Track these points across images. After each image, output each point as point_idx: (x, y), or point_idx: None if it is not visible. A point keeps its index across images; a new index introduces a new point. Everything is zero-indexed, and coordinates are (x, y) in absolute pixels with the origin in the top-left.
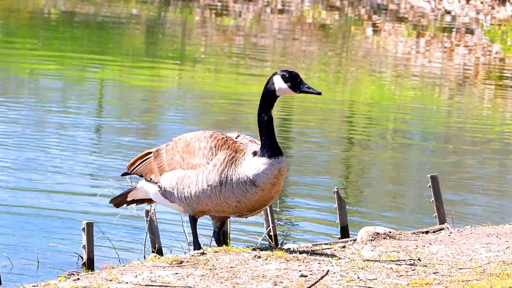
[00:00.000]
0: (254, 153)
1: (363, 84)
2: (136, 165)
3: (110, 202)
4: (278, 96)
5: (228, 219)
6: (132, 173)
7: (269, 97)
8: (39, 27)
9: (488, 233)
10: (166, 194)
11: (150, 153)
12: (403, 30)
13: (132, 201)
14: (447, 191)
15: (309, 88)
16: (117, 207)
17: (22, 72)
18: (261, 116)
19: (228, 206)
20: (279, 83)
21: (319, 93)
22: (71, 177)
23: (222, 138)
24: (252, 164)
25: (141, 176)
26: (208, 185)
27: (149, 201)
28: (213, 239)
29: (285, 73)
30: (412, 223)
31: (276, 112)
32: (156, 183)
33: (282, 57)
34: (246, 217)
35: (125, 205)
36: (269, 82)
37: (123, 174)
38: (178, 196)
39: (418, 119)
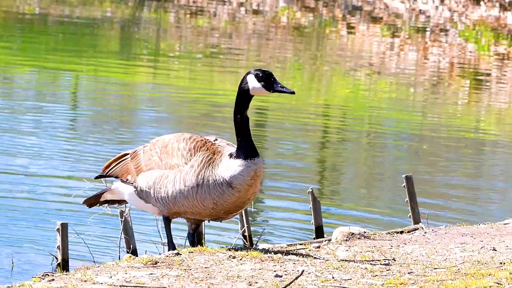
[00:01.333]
0: (231, 155)
1: (337, 84)
2: (111, 166)
3: (83, 203)
4: (253, 96)
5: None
6: (107, 174)
7: (243, 97)
8: (14, 27)
9: (463, 233)
10: (142, 194)
11: (126, 154)
12: (378, 31)
13: (105, 202)
14: (422, 191)
15: (283, 87)
16: (89, 207)
17: None
18: (236, 117)
19: (204, 208)
20: (252, 83)
21: (293, 93)
22: (45, 177)
23: (201, 140)
24: (229, 166)
25: (116, 177)
26: (185, 186)
27: (121, 202)
28: (187, 239)
29: (258, 72)
30: (387, 223)
31: (251, 112)
32: (133, 183)
33: (257, 57)
34: (221, 221)
35: (97, 205)
36: (243, 81)
37: (97, 177)
38: (154, 196)
39: (393, 119)
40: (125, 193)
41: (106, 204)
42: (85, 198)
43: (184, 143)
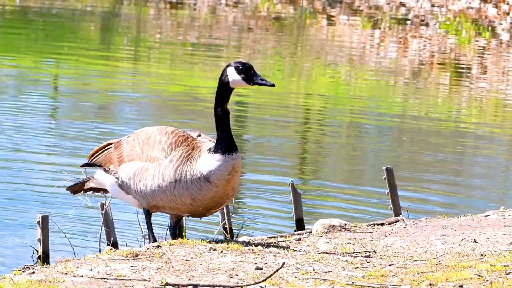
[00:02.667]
0: (209, 150)
1: (318, 76)
2: (96, 155)
3: (67, 189)
4: (233, 89)
5: None
6: (92, 162)
7: (223, 89)
8: None
9: (444, 225)
10: (122, 185)
11: (111, 143)
12: (358, 23)
13: (88, 189)
14: (402, 183)
15: (263, 80)
16: (73, 194)
17: None
18: (217, 110)
19: (182, 204)
20: (232, 75)
21: (273, 85)
22: (25, 169)
23: (183, 135)
24: (207, 161)
25: (100, 166)
26: (163, 180)
27: (104, 191)
28: (169, 232)
29: (238, 65)
30: (367, 216)
31: (231, 105)
32: (114, 173)
33: (237, 50)
34: (201, 218)
35: (82, 192)
36: (223, 74)
37: (83, 165)
38: (134, 188)
39: (373, 110)
40: (107, 183)
41: (91, 192)
42: (69, 185)
43: (166, 137)
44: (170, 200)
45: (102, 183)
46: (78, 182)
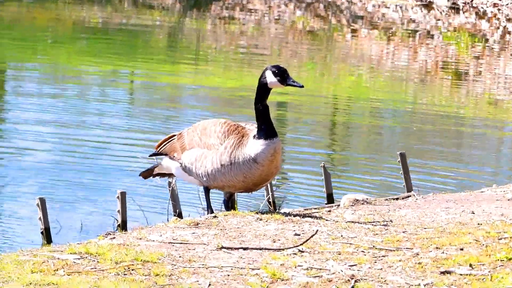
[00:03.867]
0: (254, 136)
1: (343, 79)
2: (162, 145)
3: (139, 175)
4: (271, 88)
5: None
6: (159, 152)
7: (262, 89)
8: (81, 34)
9: (447, 199)
10: (185, 169)
11: (174, 135)
12: (376, 35)
13: (157, 175)
14: (413, 165)
15: (294, 81)
16: (144, 179)
17: (68, 71)
18: (257, 106)
19: (237, 181)
20: (270, 77)
21: (302, 86)
22: (108, 156)
23: (234, 125)
24: (253, 146)
25: (165, 154)
26: (221, 165)
27: (170, 175)
28: (223, 205)
29: (275, 69)
30: (385, 191)
31: (272, 101)
32: (178, 160)
33: (278, 56)
34: (251, 193)
35: (151, 178)
36: (262, 76)
37: (152, 155)
38: (195, 172)
39: (388, 106)
40: (172, 168)
41: (158, 177)
42: (140, 172)
43: (220, 127)
44: (228, 180)
45: (168, 168)
46: (148, 168)
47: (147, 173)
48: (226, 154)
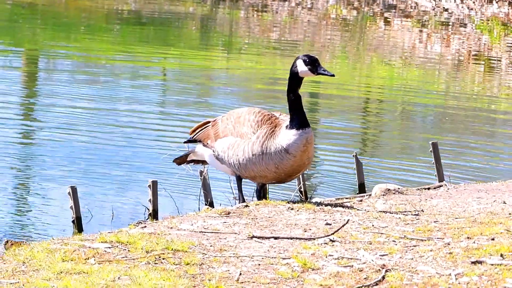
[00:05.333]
0: (287, 127)
1: (376, 68)
2: (196, 132)
3: (173, 161)
4: (302, 78)
5: None
6: (193, 139)
7: (294, 78)
8: (113, 22)
9: (479, 189)
10: (218, 157)
11: (208, 122)
12: (409, 24)
13: (190, 161)
14: (445, 154)
15: (325, 70)
16: (178, 165)
17: (100, 59)
18: (289, 95)
19: (269, 172)
20: (301, 66)
21: (333, 75)
22: (140, 144)
23: (267, 114)
24: (285, 136)
25: (199, 141)
26: (253, 154)
27: (203, 162)
28: (255, 194)
29: (305, 58)
30: (416, 181)
31: (304, 91)
32: (211, 147)
33: (311, 45)
34: (284, 183)
35: (184, 164)
36: (294, 65)
37: (186, 141)
38: (227, 160)
39: (421, 95)
40: (205, 155)
41: (192, 163)
42: (174, 158)
43: (254, 116)
44: (260, 170)
45: (201, 155)
46: (182, 155)
47: (181, 159)
48: (258, 144)
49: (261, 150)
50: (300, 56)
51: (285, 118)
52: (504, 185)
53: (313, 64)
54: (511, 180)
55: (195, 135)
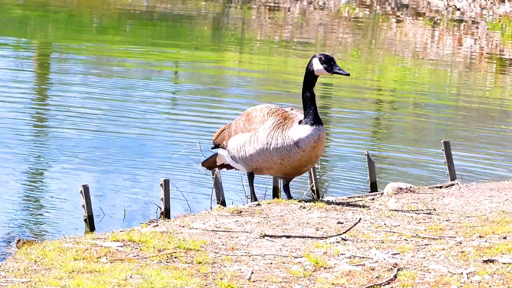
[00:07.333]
0: (300, 122)
1: (388, 66)
2: (217, 137)
3: (202, 165)
4: (318, 76)
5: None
6: (215, 143)
7: (309, 76)
8: (126, 20)
9: (491, 188)
10: (231, 155)
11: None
12: (421, 23)
13: (221, 166)
14: (457, 153)
15: (340, 69)
16: (209, 170)
17: (114, 54)
18: (304, 93)
19: (274, 163)
20: (316, 65)
21: (348, 74)
22: (152, 143)
23: (276, 108)
24: (298, 130)
25: (220, 146)
26: (257, 143)
27: (230, 167)
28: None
29: (321, 57)
30: (428, 180)
31: (318, 88)
32: (226, 147)
33: (323, 45)
34: (289, 179)
35: (216, 169)
36: (309, 63)
37: (212, 148)
38: (237, 156)
39: (433, 94)
40: (225, 157)
41: (224, 168)
42: (202, 161)
43: (260, 111)
44: (264, 160)
45: (223, 157)
46: (207, 159)
47: (210, 164)
48: (263, 133)
49: (266, 140)
50: (316, 55)
51: (297, 113)
52: None
53: (329, 63)
54: None
55: (216, 140)
